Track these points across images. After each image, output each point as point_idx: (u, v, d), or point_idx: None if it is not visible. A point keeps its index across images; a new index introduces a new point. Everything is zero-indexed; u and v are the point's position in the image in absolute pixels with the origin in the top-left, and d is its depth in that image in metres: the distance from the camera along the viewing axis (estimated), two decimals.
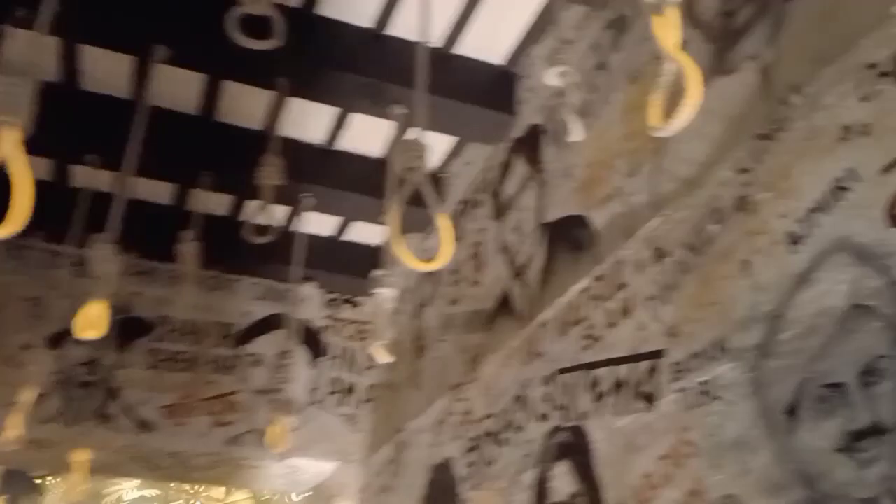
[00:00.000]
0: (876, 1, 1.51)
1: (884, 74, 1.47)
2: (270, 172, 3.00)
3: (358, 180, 3.76)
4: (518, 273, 2.94)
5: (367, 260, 4.40)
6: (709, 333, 1.82)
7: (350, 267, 4.34)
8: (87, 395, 3.64)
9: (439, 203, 2.11)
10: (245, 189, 3.67)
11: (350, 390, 4.17)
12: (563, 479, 2.26)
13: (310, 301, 4.27)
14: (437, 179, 3.87)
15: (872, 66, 1.49)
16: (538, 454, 2.45)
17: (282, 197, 3.43)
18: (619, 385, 2.12)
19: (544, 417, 2.47)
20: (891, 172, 1.43)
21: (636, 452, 1.97)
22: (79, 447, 3.31)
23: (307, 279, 4.25)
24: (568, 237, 2.63)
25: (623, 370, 2.12)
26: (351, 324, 4.34)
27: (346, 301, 4.42)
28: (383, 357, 2.96)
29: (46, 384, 3.48)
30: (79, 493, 3.21)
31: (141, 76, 3.16)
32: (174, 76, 3.18)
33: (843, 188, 1.54)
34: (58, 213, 3.54)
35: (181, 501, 15.39)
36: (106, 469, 3.86)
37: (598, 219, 2.45)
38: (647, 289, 2.11)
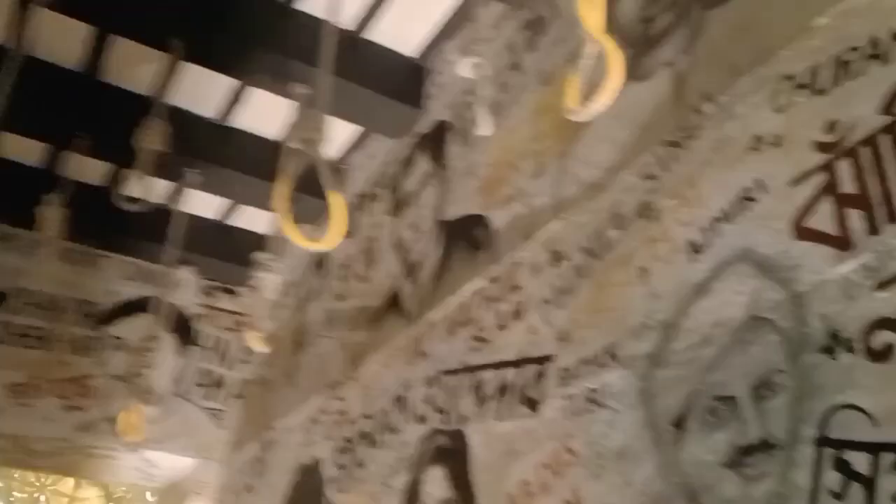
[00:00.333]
0: (796, 13, 1.50)
1: (801, 86, 1.45)
2: (153, 137, 2.76)
3: (250, 162, 3.55)
4: (411, 271, 2.83)
5: (251, 248, 4.13)
6: (601, 340, 1.76)
7: (232, 254, 4.09)
8: None
9: (334, 180, 1.96)
10: (124, 157, 3.39)
11: (219, 384, 3.92)
12: (436, 485, 2.15)
13: (185, 286, 4.00)
14: (335, 170, 3.71)
15: (790, 77, 1.48)
16: (413, 458, 2.32)
17: (164, 170, 3.19)
18: (503, 389, 2.03)
19: (423, 420, 2.35)
20: (800, 185, 1.41)
21: (516, 459, 1.88)
22: None
23: (184, 262, 3.97)
24: (466, 236, 2.54)
25: (509, 374, 2.03)
26: (227, 314, 4.09)
27: (225, 289, 4.17)
28: (259, 347, 2.78)
29: None
30: None
31: (19, 20, 2.85)
32: (57, 24, 2.89)
33: (749, 199, 1.51)
34: None
35: (25, 495, 14.29)
36: None
37: (498, 219, 2.38)
38: (541, 292, 2.04)
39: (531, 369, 1.95)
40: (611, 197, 1.90)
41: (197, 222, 3.89)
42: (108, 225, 3.73)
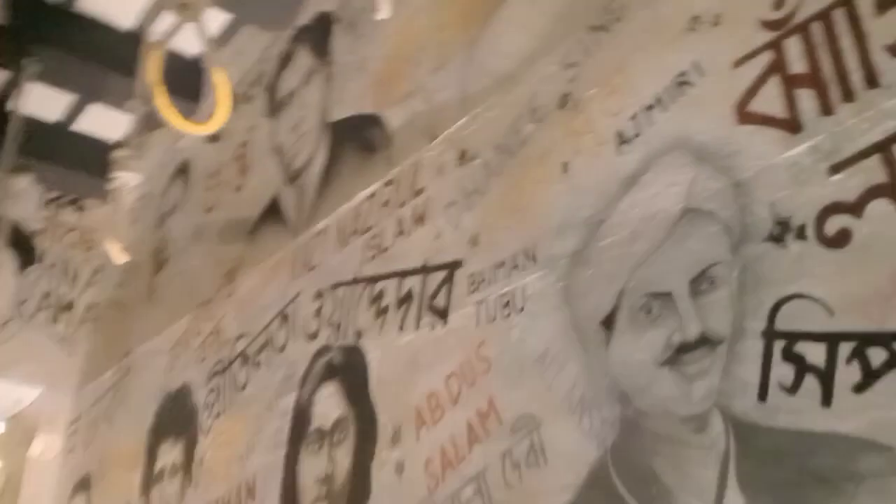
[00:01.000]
0: None
1: None
2: None
3: (102, 51, 3.11)
4: (293, 178, 2.57)
5: (102, 156, 3.72)
6: (516, 241, 1.63)
7: (80, 162, 3.63)
8: None
9: (214, 53, 1.68)
10: None
11: (67, 307, 3.51)
12: (328, 403, 1.98)
13: (23, 197, 3.51)
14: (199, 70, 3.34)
15: None
16: (301, 377, 2.13)
17: None
18: (405, 299, 1.87)
19: (313, 336, 2.16)
20: (743, 66, 1.30)
21: (420, 371, 1.74)
22: None
23: (21, 169, 3.48)
24: (357, 138, 2.32)
25: (412, 282, 1.87)
26: (74, 230, 3.65)
27: (72, 202, 3.71)
28: (119, 256, 2.46)
29: None
30: None
31: None
32: None
33: (685, 83, 1.40)
34: None
35: None
36: None
37: (395, 118, 2.17)
38: (447, 194, 1.87)
39: (437, 276, 1.80)
40: (527, 89, 1.74)
41: (37, 125, 3.40)
42: None
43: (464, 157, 1.87)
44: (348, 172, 2.31)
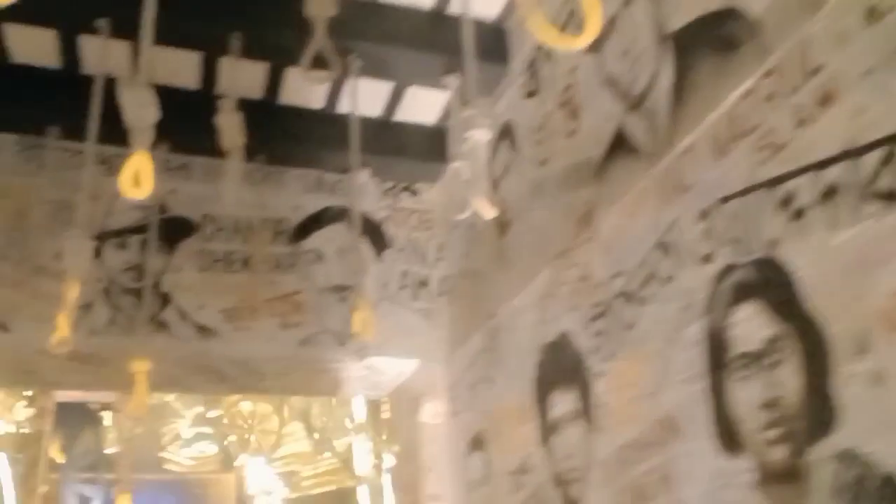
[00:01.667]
0: None
1: None
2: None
3: (410, 36, 3.22)
4: (636, 104, 2.43)
5: (424, 141, 3.92)
6: None
7: (406, 150, 3.85)
8: (136, 303, 3.22)
9: None
10: (282, 54, 3.16)
11: (423, 284, 3.74)
12: (750, 324, 1.81)
13: (365, 191, 3.79)
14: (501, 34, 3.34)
15: None
16: (703, 303, 1.99)
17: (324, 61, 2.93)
18: (829, 194, 1.64)
19: (706, 259, 2.00)
20: None
21: (875, 269, 1.49)
22: (136, 359, 2.90)
23: (360, 167, 3.77)
24: (709, 41, 2.10)
25: (835, 173, 1.63)
26: (413, 213, 3.87)
27: (406, 189, 3.94)
28: (487, 212, 2.50)
29: (90, 292, 3.07)
30: (142, 409, 2.82)
31: None
32: None
33: None
34: (72, 106, 3.06)
35: (234, 437, 15.46)
36: (169, 383, 3.48)
37: (756, 3, 1.92)
38: (858, 63, 1.60)
39: (874, 156, 1.54)
40: None
41: (364, 123, 3.64)
42: (277, 138, 3.56)
43: (873, 15, 1.58)
44: (705, 80, 2.11)
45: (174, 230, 3.40)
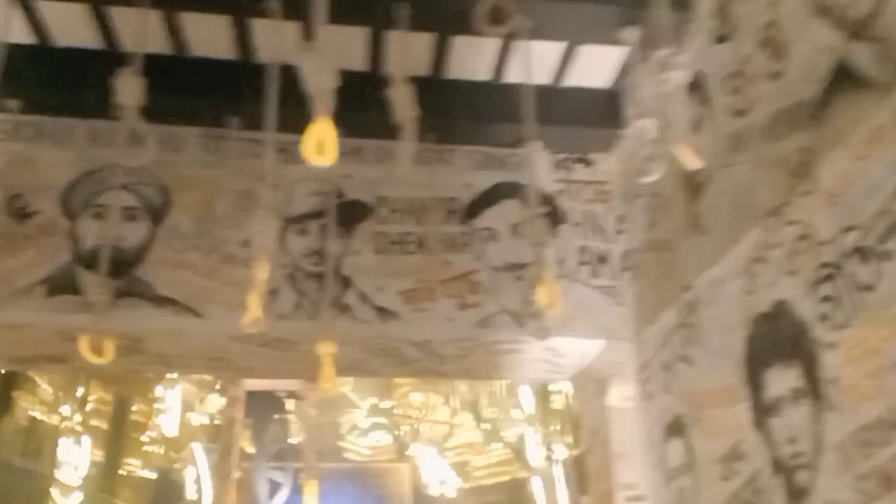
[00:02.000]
0: None
1: None
2: None
3: None
4: (859, 30, 2.08)
5: (596, 107, 3.68)
6: None
7: (577, 118, 3.62)
8: (319, 287, 3.23)
9: None
10: (449, 22, 3.05)
11: (602, 259, 3.50)
12: None
13: (536, 164, 3.60)
14: None
15: None
16: None
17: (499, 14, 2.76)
18: None
19: None
20: None
21: None
22: (322, 341, 2.89)
23: (529, 139, 3.59)
24: None
25: None
26: (588, 185, 3.64)
27: (579, 160, 3.72)
28: (692, 161, 2.25)
29: (276, 277, 3.11)
30: (330, 389, 2.81)
31: None
32: None
33: None
34: (250, 96, 3.11)
35: (408, 427, 15.87)
36: (353, 367, 3.47)
37: None
38: None
39: None
40: None
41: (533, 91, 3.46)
42: (445, 116, 3.45)
43: None
44: None
45: (351, 214, 3.39)
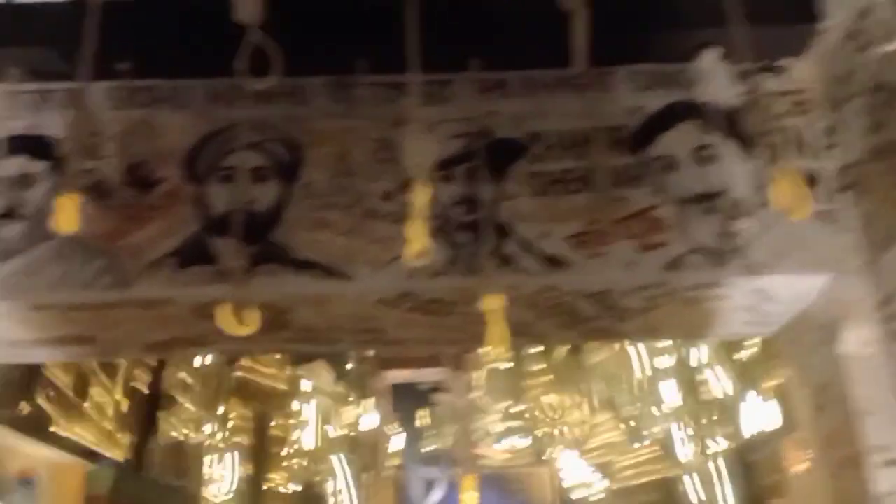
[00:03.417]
0: None
1: None
2: None
3: None
4: None
5: (781, 2, 3.08)
6: None
7: (759, 18, 3.01)
8: (474, 238, 2.79)
9: None
10: None
11: (811, 180, 2.87)
12: None
13: (714, 77, 3.04)
14: None
15: None
16: None
17: None
18: None
19: None
20: None
21: None
22: (489, 296, 2.45)
23: (702, 47, 3.03)
24: None
25: None
26: (780, 96, 3.03)
27: (765, 69, 3.10)
28: None
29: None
30: (504, 345, 2.35)
31: None
32: None
33: None
34: (378, 38, 2.74)
35: (542, 432, 15.22)
36: (519, 332, 2.90)
37: None
38: None
39: None
40: None
41: None
42: (598, 33, 2.94)
43: None
44: None
45: (500, 154, 2.93)
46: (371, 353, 7.71)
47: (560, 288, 2.81)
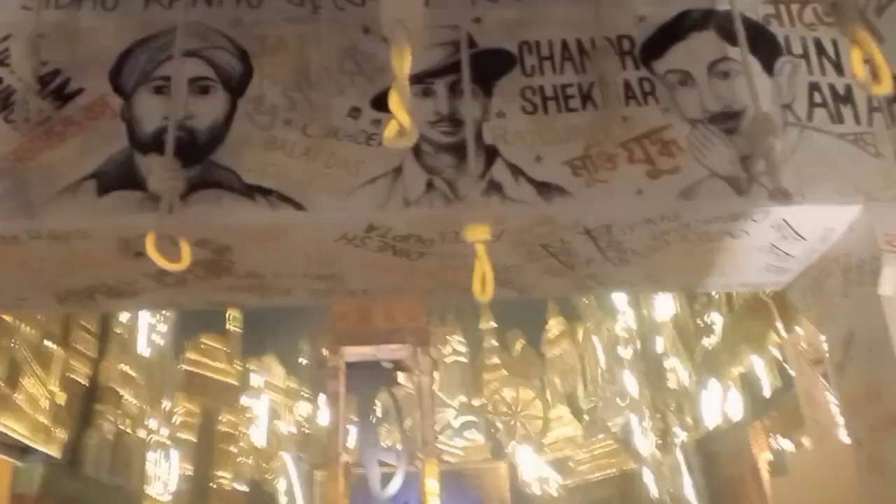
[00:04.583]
0: None
1: None
2: None
3: None
4: None
5: None
6: None
7: None
8: (456, 162, 2.36)
9: None
10: None
11: (845, 99, 2.52)
12: None
13: None
14: None
15: None
16: None
17: None
18: None
19: None
20: None
21: None
22: (472, 226, 2.03)
23: None
24: None
25: None
26: (807, 4, 2.67)
27: None
28: None
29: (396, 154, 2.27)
30: (488, 292, 1.93)
31: None
32: None
33: None
34: None
35: (502, 425, 14.85)
36: (498, 283, 2.45)
37: None
38: None
39: None
40: None
41: None
42: None
43: None
44: None
45: (488, 66, 2.50)
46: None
47: (555, 221, 2.38)
